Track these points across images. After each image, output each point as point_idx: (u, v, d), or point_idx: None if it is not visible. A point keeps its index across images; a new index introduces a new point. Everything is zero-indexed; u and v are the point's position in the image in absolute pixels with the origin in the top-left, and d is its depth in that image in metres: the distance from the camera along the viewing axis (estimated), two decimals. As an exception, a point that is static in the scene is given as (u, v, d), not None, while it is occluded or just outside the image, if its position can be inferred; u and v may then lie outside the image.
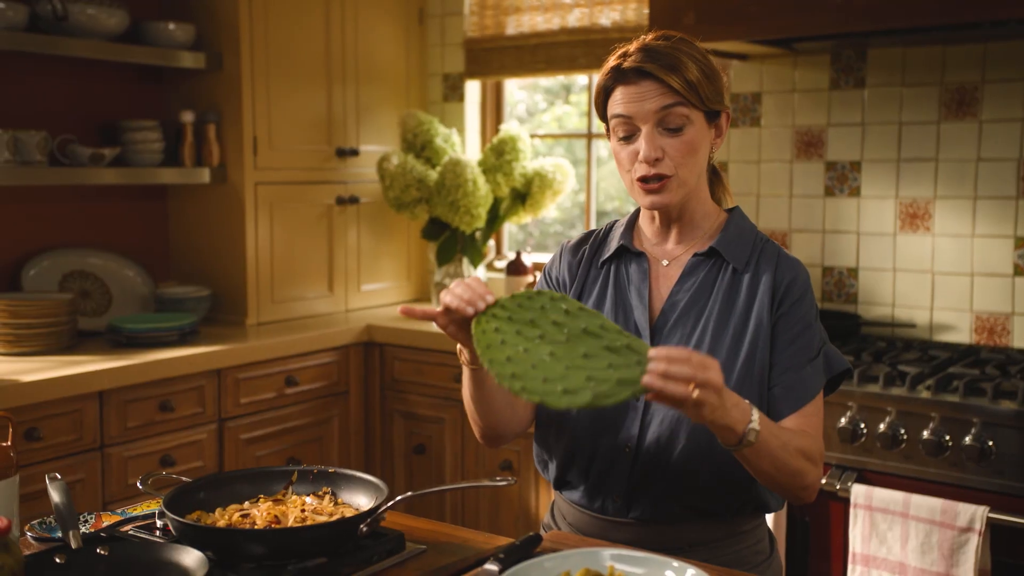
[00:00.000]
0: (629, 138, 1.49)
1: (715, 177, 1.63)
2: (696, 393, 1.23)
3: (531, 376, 1.26)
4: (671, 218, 1.57)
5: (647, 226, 1.61)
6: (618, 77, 1.49)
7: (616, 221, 1.67)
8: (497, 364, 1.28)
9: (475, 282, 1.39)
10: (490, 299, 1.37)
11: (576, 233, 1.73)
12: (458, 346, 1.48)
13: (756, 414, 1.34)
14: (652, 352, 1.24)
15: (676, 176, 1.48)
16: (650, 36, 1.51)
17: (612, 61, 1.50)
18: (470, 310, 1.37)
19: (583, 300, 1.61)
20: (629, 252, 1.59)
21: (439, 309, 1.40)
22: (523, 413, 1.60)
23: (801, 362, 1.48)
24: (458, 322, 1.40)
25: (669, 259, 1.57)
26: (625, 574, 1.24)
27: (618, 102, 1.49)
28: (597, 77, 1.55)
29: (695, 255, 1.55)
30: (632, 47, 1.49)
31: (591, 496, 1.53)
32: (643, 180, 1.49)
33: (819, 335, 1.52)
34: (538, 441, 1.61)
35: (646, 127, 1.47)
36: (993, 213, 2.72)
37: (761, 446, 1.34)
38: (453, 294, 1.38)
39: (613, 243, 1.61)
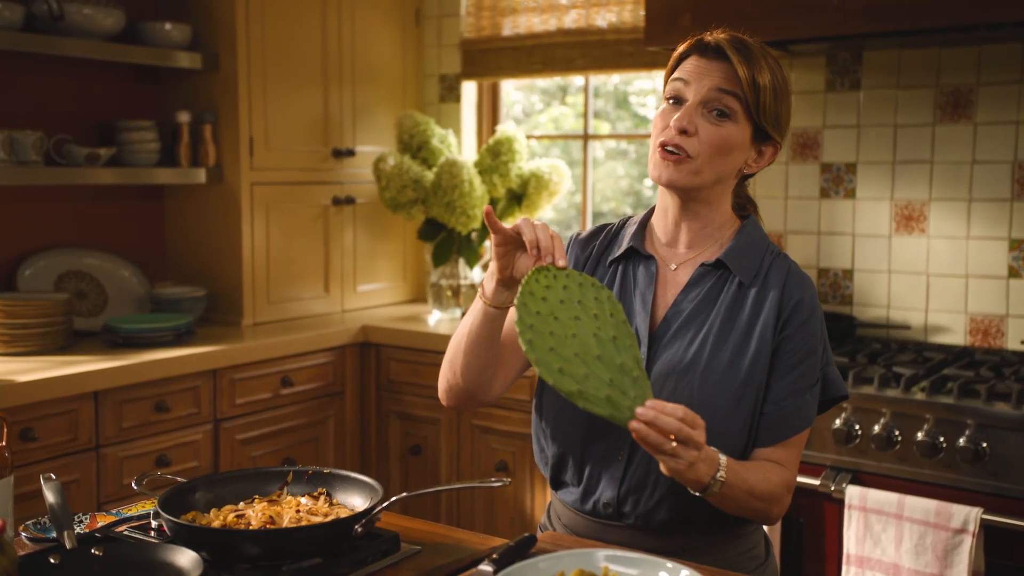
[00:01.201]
0: (674, 104, 1.48)
1: (740, 189, 1.59)
2: (674, 446, 1.26)
3: (543, 340, 1.29)
4: (683, 216, 1.53)
5: (660, 225, 1.58)
6: (697, 47, 1.48)
7: (629, 218, 1.64)
8: (524, 311, 1.30)
9: (558, 240, 1.39)
10: (561, 263, 1.37)
11: (572, 235, 1.70)
12: (486, 275, 1.47)
13: (724, 461, 1.35)
14: (649, 402, 1.27)
15: (696, 160, 1.45)
16: (753, 41, 1.50)
17: (695, 37, 1.50)
18: (533, 252, 1.37)
19: None
20: (639, 254, 1.57)
21: (511, 228, 1.40)
22: (499, 383, 1.58)
23: (801, 389, 1.47)
24: (512, 250, 1.41)
25: (678, 263, 1.55)
26: (619, 575, 1.25)
27: (684, 68, 1.48)
28: (665, 65, 1.55)
29: (703, 264, 1.52)
30: (722, 32, 1.49)
31: (583, 498, 1.53)
32: (664, 147, 1.46)
33: (823, 358, 1.50)
34: (536, 436, 1.60)
35: (693, 101, 1.46)
36: (988, 215, 2.73)
37: (726, 492, 1.36)
38: (533, 229, 1.38)
39: (624, 242, 1.59)
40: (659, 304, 1.54)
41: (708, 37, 1.48)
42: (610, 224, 1.66)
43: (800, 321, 1.47)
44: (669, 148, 1.45)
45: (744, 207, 1.61)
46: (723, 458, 1.35)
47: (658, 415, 1.25)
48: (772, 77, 1.46)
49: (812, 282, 1.53)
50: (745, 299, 1.49)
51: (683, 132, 1.44)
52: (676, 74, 1.49)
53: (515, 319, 1.29)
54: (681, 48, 1.51)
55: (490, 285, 1.47)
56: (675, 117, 1.45)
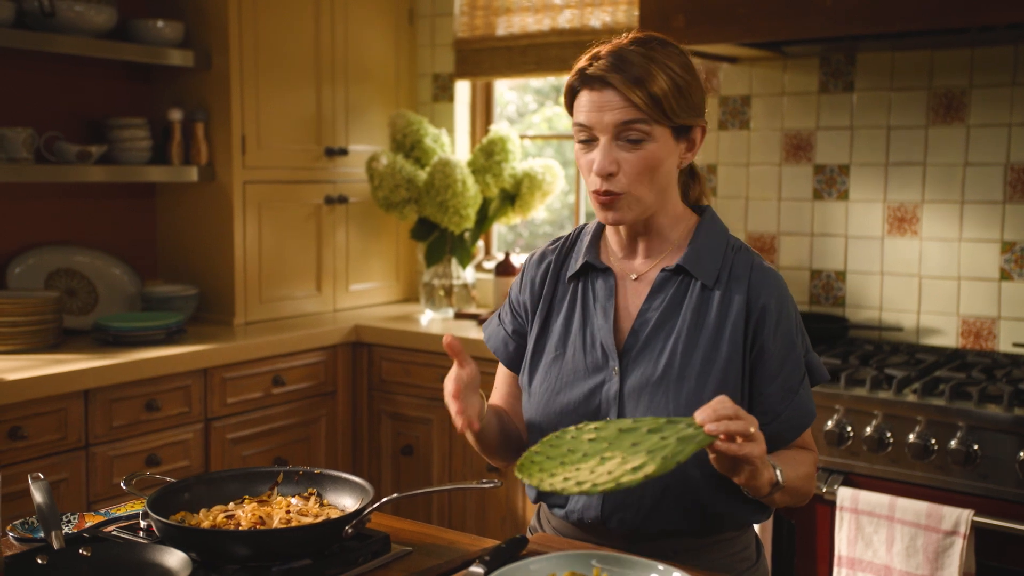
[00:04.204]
0: (588, 144, 1.44)
1: (692, 179, 1.57)
2: (753, 429, 1.26)
3: (595, 477, 1.24)
4: (636, 232, 1.51)
5: (613, 239, 1.55)
6: (584, 80, 1.43)
7: (584, 227, 1.61)
8: (559, 483, 1.26)
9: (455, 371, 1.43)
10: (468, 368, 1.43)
11: (565, 234, 1.68)
12: (454, 414, 1.44)
13: (773, 458, 1.38)
14: (696, 412, 1.26)
15: (629, 194, 1.43)
16: (627, 38, 1.45)
17: (582, 61, 1.45)
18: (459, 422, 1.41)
19: (551, 318, 1.56)
20: (595, 268, 1.54)
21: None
22: (524, 436, 1.62)
23: (793, 386, 1.47)
24: (464, 391, 1.43)
25: (638, 274, 1.52)
26: (610, 577, 1.24)
27: (581, 108, 1.44)
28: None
29: (663, 270, 1.49)
30: (604, 50, 1.44)
31: (569, 512, 1.52)
32: (597, 193, 1.44)
33: (801, 346, 1.49)
34: None
35: (604, 138, 1.42)
36: (980, 217, 2.73)
37: (787, 486, 1.38)
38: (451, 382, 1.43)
39: (579, 258, 1.56)
40: (623, 316, 1.51)
41: (590, 69, 1.42)
42: (565, 236, 1.63)
43: (772, 325, 1.45)
44: (602, 193, 1.43)
45: (692, 192, 1.58)
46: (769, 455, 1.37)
47: (714, 410, 1.25)
48: (667, 75, 1.41)
49: (777, 275, 1.50)
50: (710, 302, 1.47)
51: (611, 175, 1.42)
52: (576, 116, 1.45)
53: (577, 492, 1.23)
54: (570, 81, 1.47)
55: (460, 421, 1.45)
56: (595, 163, 1.42)
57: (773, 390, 1.45)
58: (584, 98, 1.44)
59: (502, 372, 1.65)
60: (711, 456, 1.29)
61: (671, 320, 1.47)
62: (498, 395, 1.65)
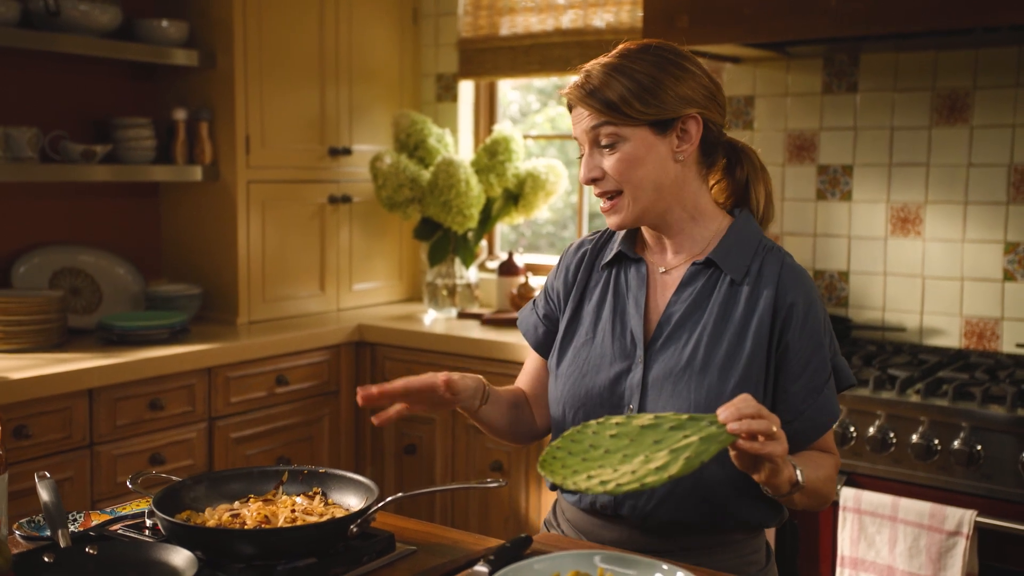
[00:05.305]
0: (583, 158, 1.55)
1: (736, 163, 1.60)
2: (775, 428, 1.27)
3: (619, 476, 1.25)
4: (657, 231, 1.56)
5: (646, 233, 1.60)
6: (567, 105, 1.56)
7: None
8: (583, 483, 1.26)
9: (416, 379, 1.50)
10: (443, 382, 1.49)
11: (568, 235, 1.73)
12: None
13: (795, 459, 1.38)
14: (719, 409, 1.27)
15: (625, 194, 1.50)
16: (616, 51, 1.52)
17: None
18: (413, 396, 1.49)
19: (584, 304, 1.60)
20: (628, 258, 1.59)
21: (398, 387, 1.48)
22: (540, 415, 1.67)
23: (818, 386, 1.48)
24: (426, 400, 1.51)
25: (668, 267, 1.56)
26: (615, 576, 1.25)
27: (573, 124, 1.56)
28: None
29: (694, 263, 1.53)
30: (580, 71, 1.53)
31: (581, 497, 1.54)
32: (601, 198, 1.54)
33: (830, 349, 1.51)
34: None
35: (587, 148, 1.52)
36: (983, 218, 2.73)
37: (808, 486, 1.39)
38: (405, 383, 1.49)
39: (614, 247, 1.61)
40: (652, 307, 1.55)
41: (563, 92, 1.54)
42: (605, 228, 1.68)
43: (799, 322, 1.47)
44: (602, 198, 1.53)
45: (744, 197, 1.60)
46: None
47: (736, 408, 1.26)
48: (629, 80, 1.46)
49: (807, 275, 1.52)
50: (738, 297, 1.49)
51: (594, 180, 1.51)
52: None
53: (602, 492, 1.24)
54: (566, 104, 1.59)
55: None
56: (580, 173, 1.54)
57: (797, 389, 1.47)
58: (572, 117, 1.56)
59: (531, 358, 1.72)
60: (732, 453, 1.30)
61: (698, 313, 1.50)
62: (524, 379, 1.72)
